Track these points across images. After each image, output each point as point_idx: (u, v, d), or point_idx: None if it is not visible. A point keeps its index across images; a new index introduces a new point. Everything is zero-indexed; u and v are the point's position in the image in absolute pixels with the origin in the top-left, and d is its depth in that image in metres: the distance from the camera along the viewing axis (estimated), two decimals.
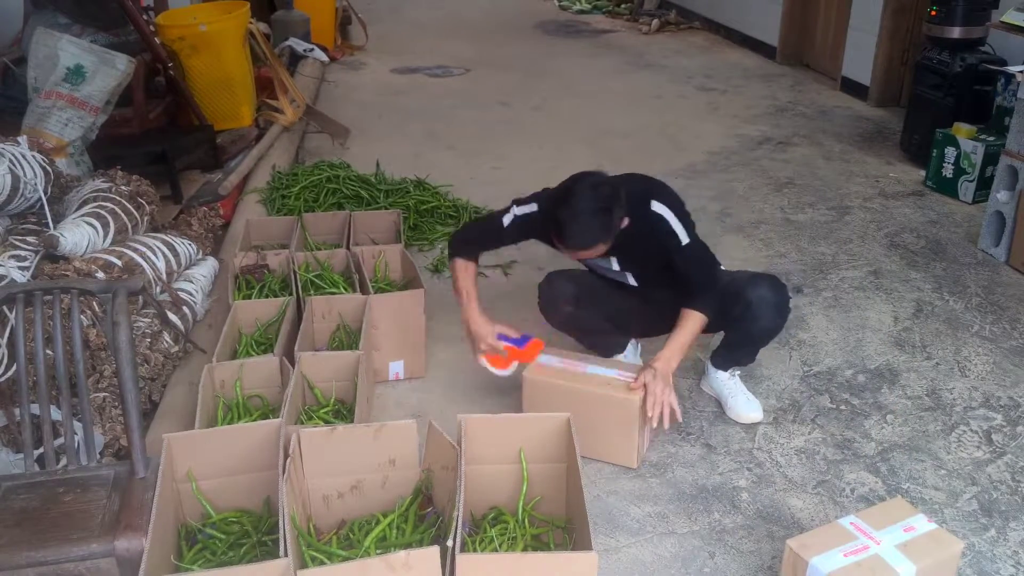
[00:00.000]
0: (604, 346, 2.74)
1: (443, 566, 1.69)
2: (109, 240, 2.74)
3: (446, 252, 2.72)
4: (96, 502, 1.80)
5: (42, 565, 1.67)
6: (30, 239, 2.59)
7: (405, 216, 3.77)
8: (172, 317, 2.72)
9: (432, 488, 2.03)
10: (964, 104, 4.33)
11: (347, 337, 2.75)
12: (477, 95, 6.24)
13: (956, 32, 4.34)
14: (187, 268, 3.04)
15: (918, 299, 3.35)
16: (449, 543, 1.70)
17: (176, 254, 2.93)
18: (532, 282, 2.77)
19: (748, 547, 2.18)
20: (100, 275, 2.54)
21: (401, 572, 1.64)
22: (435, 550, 1.67)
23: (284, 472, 1.83)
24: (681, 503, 2.33)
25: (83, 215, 2.72)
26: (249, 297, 2.89)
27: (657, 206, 2.42)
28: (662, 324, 2.62)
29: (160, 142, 4.00)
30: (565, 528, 2.04)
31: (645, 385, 2.35)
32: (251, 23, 4.93)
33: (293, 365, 2.41)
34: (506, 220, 2.57)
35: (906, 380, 2.86)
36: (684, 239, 2.43)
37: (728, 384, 2.68)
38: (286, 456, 1.89)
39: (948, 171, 4.24)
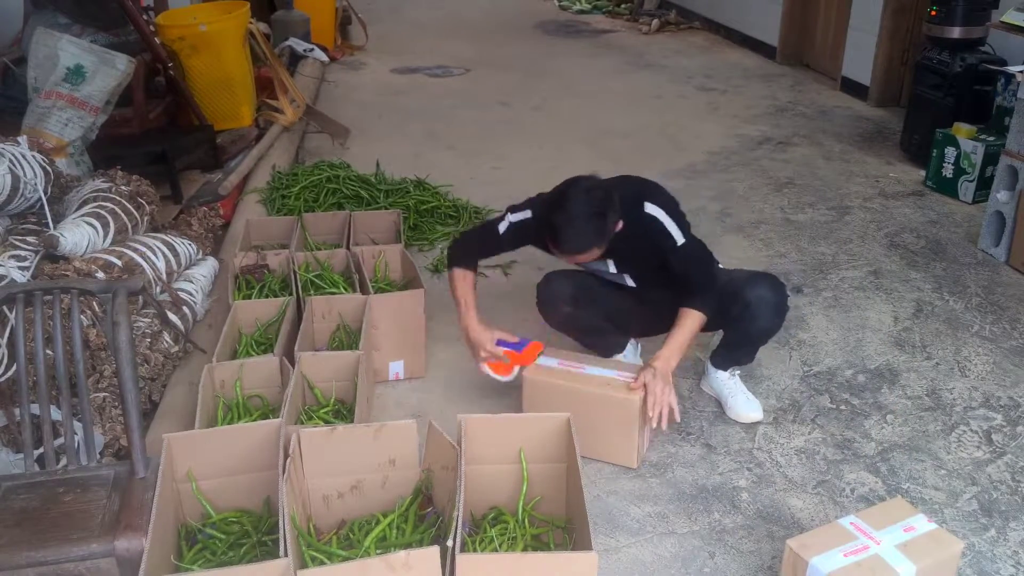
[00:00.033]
0: (603, 346, 2.75)
1: (443, 566, 1.69)
2: (109, 240, 2.74)
3: (446, 252, 2.72)
4: (96, 502, 1.80)
5: (42, 565, 1.67)
6: (30, 239, 2.59)
7: (405, 216, 3.77)
8: (172, 317, 2.72)
9: (432, 488, 2.03)
10: (964, 104, 4.33)
11: (347, 337, 2.75)
12: (477, 95, 6.24)
13: (956, 32, 4.34)
14: (187, 268, 3.04)
15: (918, 299, 3.35)
16: (449, 543, 1.70)
17: (176, 254, 2.93)
18: (532, 282, 2.77)
19: (748, 547, 2.18)
20: (100, 275, 2.54)
21: (401, 572, 1.64)
22: (435, 550, 1.67)
23: (284, 472, 1.83)
24: (681, 503, 2.33)
25: (83, 215, 2.72)
26: (249, 297, 2.89)
27: (650, 207, 2.43)
28: (661, 323, 2.62)
29: (160, 142, 4.00)
30: (565, 528, 2.04)
31: (645, 385, 2.35)
32: (251, 23, 4.93)
33: (293, 365, 2.41)
34: (502, 227, 2.58)
35: (906, 380, 2.86)
36: (679, 239, 2.44)
37: (728, 384, 2.69)
38: (286, 456, 1.89)
39: (948, 171, 4.24)
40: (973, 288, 3.42)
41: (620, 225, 2.36)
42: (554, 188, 2.43)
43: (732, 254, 3.64)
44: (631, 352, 2.82)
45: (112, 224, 2.77)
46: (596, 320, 2.69)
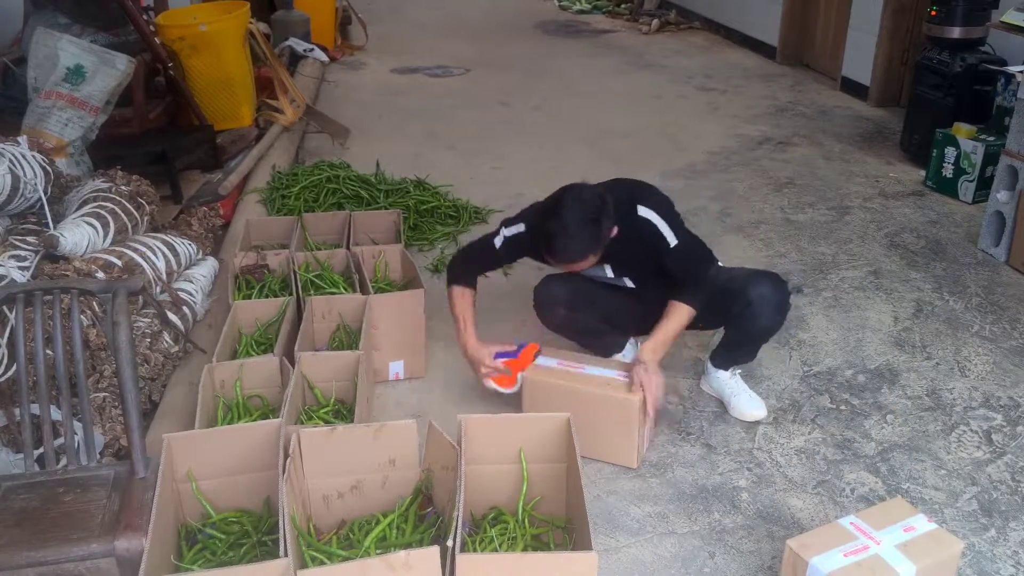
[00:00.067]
0: (601, 346, 2.75)
1: (443, 566, 1.69)
2: (109, 240, 2.74)
3: (446, 270, 2.74)
4: (96, 502, 1.80)
5: (42, 565, 1.67)
6: (30, 239, 2.59)
7: (405, 216, 3.77)
8: (172, 317, 2.71)
9: (432, 488, 2.03)
10: (964, 104, 4.33)
11: (347, 337, 2.75)
12: (477, 95, 6.24)
13: (956, 32, 4.34)
14: (187, 268, 3.04)
15: (918, 299, 3.35)
16: (449, 543, 1.70)
17: (176, 254, 2.93)
18: (531, 283, 2.77)
19: (748, 547, 2.18)
20: (100, 275, 2.54)
21: (401, 572, 1.64)
22: (435, 550, 1.67)
23: (284, 472, 1.83)
24: (681, 503, 2.33)
25: (83, 215, 2.72)
26: (249, 297, 2.89)
27: (644, 211, 2.44)
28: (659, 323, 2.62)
29: (160, 142, 4.00)
30: (565, 528, 2.04)
31: (642, 383, 2.36)
32: (251, 23, 4.93)
33: (293, 365, 2.41)
34: (497, 242, 2.60)
35: (906, 380, 2.86)
36: (672, 241, 2.44)
37: (730, 383, 2.69)
38: (286, 456, 1.89)
39: (948, 171, 4.24)
40: (973, 288, 3.42)
41: (615, 231, 2.37)
42: (547, 197, 2.44)
43: (732, 254, 3.64)
44: (630, 351, 2.82)
45: (112, 224, 2.77)
46: (593, 322, 2.69)
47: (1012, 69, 3.78)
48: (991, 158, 3.93)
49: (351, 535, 1.98)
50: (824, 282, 3.49)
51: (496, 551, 1.90)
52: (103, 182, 3.00)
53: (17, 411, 2.22)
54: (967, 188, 4.16)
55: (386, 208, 3.82)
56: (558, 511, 2.09)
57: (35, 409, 2.00)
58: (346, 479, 2.02)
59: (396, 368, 2.85)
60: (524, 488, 2.04)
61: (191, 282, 2.97)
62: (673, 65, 7.00)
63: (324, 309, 2.75)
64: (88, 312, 2.41)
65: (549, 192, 2.47)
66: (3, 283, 2.33)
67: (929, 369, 2.91)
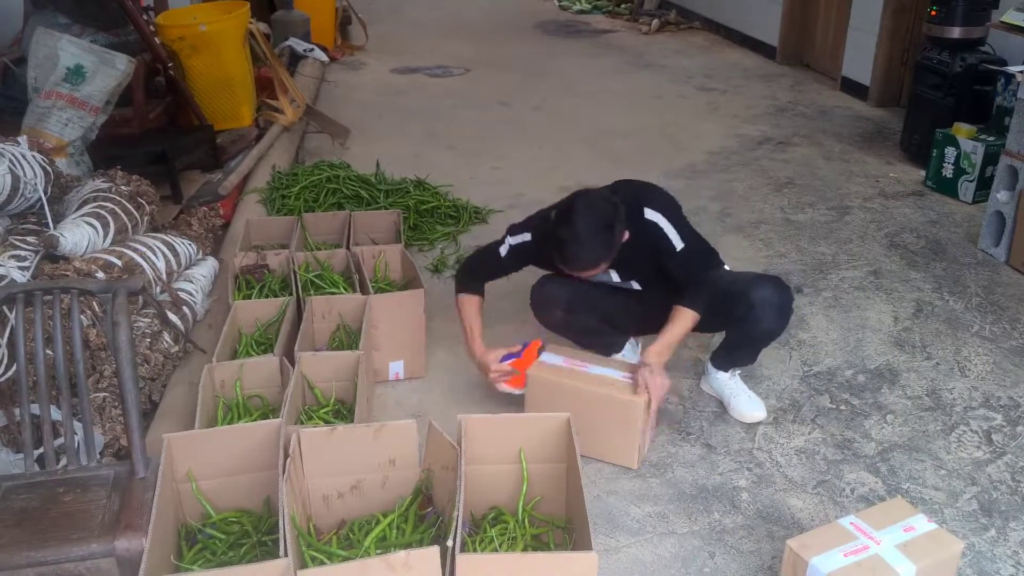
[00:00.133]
0: (600, 346, 2.74)
1: (443, 566, 1.69)
2: (109, 240, 2.74)
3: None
4: (96, 502, 1.80)
5: (42, 565, 1.66)
6: (30, 239, 2.59)
7: (405, 216, 3.77)
8: (172, 317, 2.71)
9: (432, 488, 2.03)
10: (964, 104, 4.33)
11: (347, 337, 2.75)
12: (477, 95, 6.24)
13: (956, 32, 4.34)
14: (187, 268, 3.04)
15: (918, 299, 3.35)
16: (449, 543, 1.70)
17: (176, 254, 2.93)
18: (531, 283, 2.77)
19: (748, 547, 2.18)
20: (100, 275, 2.54)
21: (401, 572, 1.64)
22: (435, 550, 1.67)
23: (284, 472, 1.83)
24: (681, 503, 2.33)
25: (83, 215, 2.72)
26: (249, 297, 2.88)
27: (650, 213, 2.44)
28: (660, 323, 2.62)
29: (160, 142, 4.00)
30: (565, 528, 2.04)
31: (647, 385, 2.36)
32: (251, 23, 4.93)
33: (293, 365, 2.41)
34: (503, 251, 2.61)
35: (906, 380, 2.86)
36: (678, 245, 2.44)
37: (730, 384, 2.68)
38: (286, 456, 1.89)
39: (948, 171, 4.24)
40: (973, 288, 3.42)
41: (626, 236, 2.36)
42: (555, 204, 2.43)
43: (732, 254, 3.64)
44: (629, 351, 2.82)
45: (112, 224, 2.77)
46: (591, 322, 2.69)
47: (1012, 69, 3.78)
48: (991, 158, 3.93)
49: (351, 535, 1.98)
50: (824, 282, 3.49)
51: (496, 551, 1.90)
52: (103, 182, 3.00)
53: (17, 411, 2.22)
54: (967, 188, 4.16)
55: (386, 208, 3.82)
56: (558, 511, 2.09)
57: (35, 409, 2.00)
58: (346, 479, 2.01)
59: (396, 368, 2.85)
60: (524, 488, 2.04)
61: (191, 282, 2.97)
62: (673, 65, 7.01)
63: (324, 309, 2.75)
64: (88, 312, 2.41)
65: (549, 192, 2.47)
66: (3, 283, 2.33)
67: (929, 369, 2.91)
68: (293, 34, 6.54)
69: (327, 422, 2.35)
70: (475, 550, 1.89)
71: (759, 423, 2.64)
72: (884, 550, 1.84)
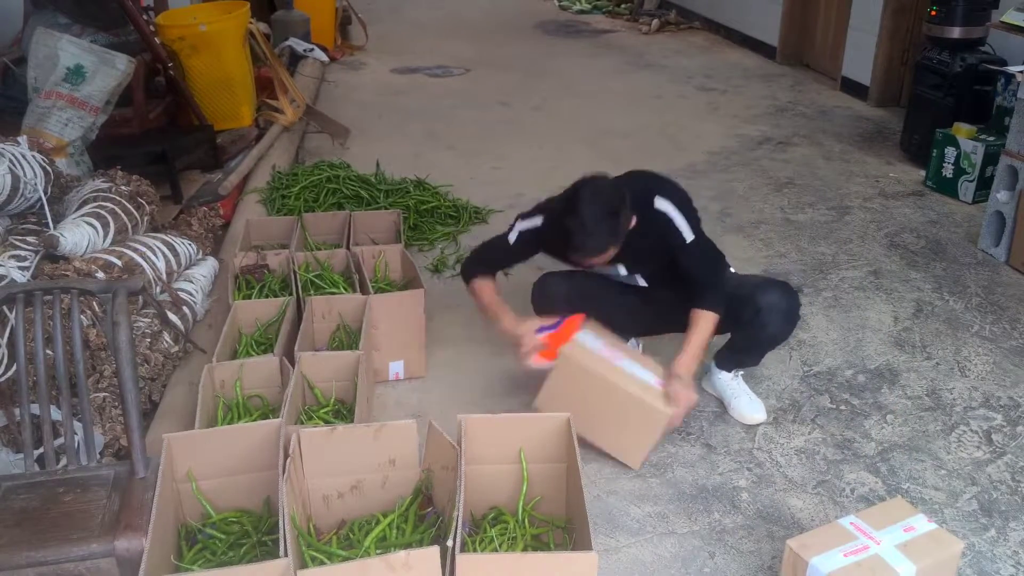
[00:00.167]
0: None
1: (443, 566, 1.69)
2: (109, 240, 2.74)
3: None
4: (96, 502, 1.80)
5: (42, 565, 1.66)
6: (30, 239, 2.59)
7: (405, 216, 3.77)
8: (172, 317, 2.71)
9: (432, 488, 2.03)
10: (964, 104, 4.33)
11: (347, 337, 2.75)
12: (477, 95, 6.24)
13: (956, 32, 4.34)
14: (187, 268, 3.04)
15: (918, 299, 3.35)
16: (449, 543, 1.70)
17: (176, 254, 2.93)
18: (532, 282, 2.77)
19: (748, 547, 2.18)
20: (100, 275, 2.54)
21: (401, 572, 1.64)
22: (435, 550, 1.67)
23: (284, 472, 1.83)
24: (681, 503, 2.33)
25: (83, 215, 2.72)
26: (249, 297, 2.89)
27: (660, 203, 2.41)
28: (665, 323, 2.61)
29: (160, 142, 4.00)
30: (565, 528, 2.04)
31: (678, 395, 2.36)
32: (251, 23, 4.93)
33: (293, 365, 2.41)
34: (511, 237, 2.56)
35: (906, 380, 2.86)
36: (688, 236, 2.42)
37: (731, 384, 2.68)
38: (286, 456, 1.89)
39: (948, 171, 4.24)
40: (973, 288, 3.42)
41: (634, 222, 2.34)
42: (564, 192, 2.41)
43: (732, 254, 3.62)
44: None
45: (112, 224, 2.77)
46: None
47: (1012, 69, 3.78)
48: (991, 158, 3.93)
49: (351, 535, 1.98)
50: (824, 282, 3.49)
51: (496, 551, 1.90)
52: (103, 182, 3.00)
53: (17, 411, 2.22)
54: (967, 188, 4.16)
55: (386, 208, 3.82)
56: (558, 511, 2.09)
57: (35, 409, 2.00)
58: (346, 479, 2.01)
59: (396, 368, 2.85)
60: (524, 488, 2.04)
61: (191, 282, 2.97)
62: (673, 65, 7.01)
63: (324, 309, 2.75)
64: (88, 312, 2.41)
65: (549, 192, 2.46)
66: (3, 283, 2.33)
67: (929, 369, 2.91)
68: (293, 34, 6.54)
69: (327, 422, 2.35)
70: (475, 550, 1.89)
71: (759, 424, 2.63)
72: (884, 550, 1.84)
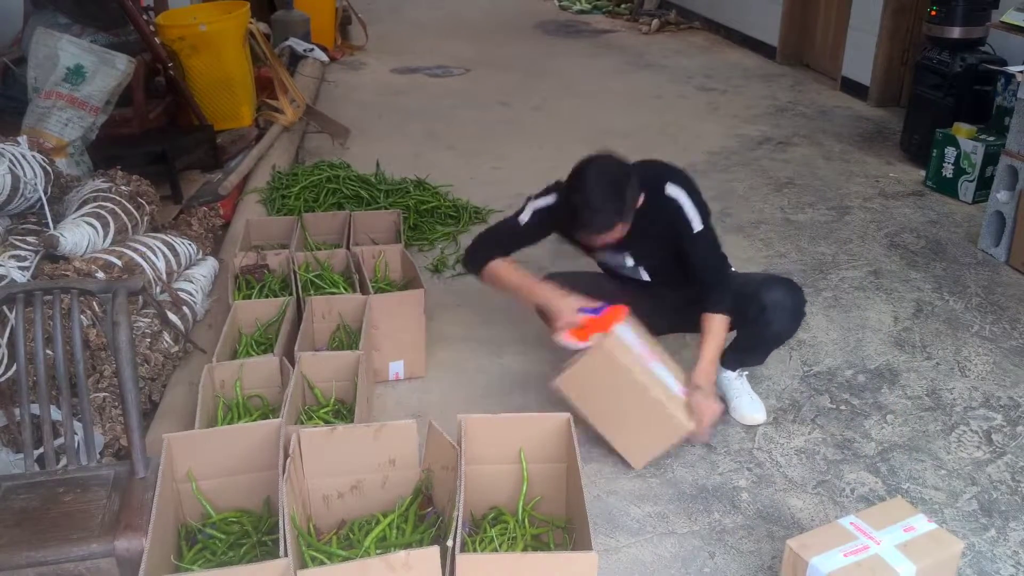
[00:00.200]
0: None
1: (443, 566, 1.69)
2: (109, 240, 2.74)
3: (463, 260, 2.65)
4: (96, 502, 1.80)
5: (42, 565, 1.66)
6: (30, 239, 2.59)
7: (405, 216, 3.77)
8: (172, 317, 2.72)
9: (432, 488, 2.03)
10: (964, 104, 4.33)
11: (347, 337, 2.75)
12: (477, 95, 6.24)
13: (956, 32, 4.34)
14: (187, 268, 3.04)
15: (918, 299, 3.35)
16: (449, 543, 1.70)
17: (176, 254, 2.93)
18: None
19: (748, 547, 2.18)
20: (100, 275, 2.54)
21: (401, 572, 1.64)
22: (435, 550, 1.67)
23: (284, 472, 1.83)
24: (681, 503, 2.33)
25: (83, 215, 2.72)
26: (249, 297, 2.89)
27: (672, 189, 2.41)
28: (664, 322, 2.61)
29: (160, 142, 4.00)
30: (565, 528, 2.04)
31: (699, 405, 2.36)
32: (251, 23, 4.93)
33: (293, 365, 2.41)
34: (524, 218, 2.52)
35: (906, 380, 2.86)
36: (697, 225, 2.41)
37: (734, 384, 2.68)
38: (286, 456, 1.89)
39: (948, 171, 4.24)
40: (973, 288, 3.42)
41: (641, 200, 2.33)
42: (571, 170, 2.39)
43: (732, 254, 3.60)
44: None
45: (112, 224, 2.77)
46: None
47: (1012, 69, 3.78)
48: (991, 158, 3.93)
49: (351, 535, 1.98)
50: (824, 282, 3.49)
51: (496, 551, 1.90)
52: (103, 182, 3.00)
53: (17, 411, 2.22)
54: (967, 188, 4.16)
55: (386, 208, 3.82)
56: (558, 511, 2.09)
57: (35, 409, 2.00)
58: (346, 479, 2.01)
59: (396, 368, 2.85)
60: (524, 488, 2.04)
61: (191, 282, 2.97)
62: (673, 65, 7.01)
63: (324, 309, 2.75)
64: (88, 312, 2.41)
65: None
66: (3, 283, 2.33)
67: (929, 369, 2.91)
68: (293, 34, 6.54)
69: (327, 422, 2.35)
70: (475, 550, 1.89)
71: (759, 425, 2.63)
72: (884, 550, 1.84)
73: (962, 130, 4.13)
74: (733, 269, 2.68)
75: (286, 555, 1.61)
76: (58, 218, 2.81)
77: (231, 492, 2.02)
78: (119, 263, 2.63)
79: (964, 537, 2.17)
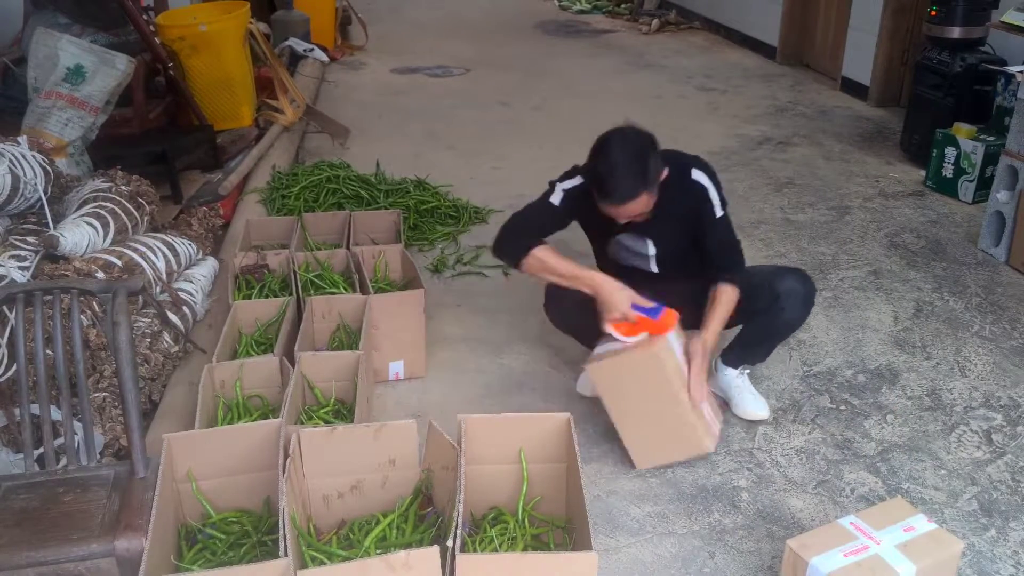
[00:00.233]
0: None
1: (443, 566, 1.69)
2: (109, 240, 2.74)
3: (494, 250, 2.60)
4: (96, 502, 1.80)
5: (42, 565, 1.67)
6: (30, 239, 2.59)
7: (405, 216, 3.77)
8: (172, 317, 2.72)
9: (432, 488, 2.03)
10: (964, 104, 4.33)
11: (347, 337, 2.75)
12: (477, 95, 6.24)
13: (956, 32, 4.34)
14: (187, 268, 3.04)
15: (918, 299, 3.35)
16: (449, 543, 1.70)
17: (176, 254, 2.93)
18: (532, 283, 2.76)
19: (748, 547, 2.18)
20: (100, 275, 2.54)
21: (401, 572, 1.64)
22: (435, 550, 1.67)
23: (284, 472, 1.83)
24: (681, 503, 2.33)
25: (83, 215, 2.72)
26: (249, 297, 2.89)
27: (697, 174, 2.44)
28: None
29: (160, 142, 4.00)
30: (565, 528, 2.04)
31: (693, 354, 2.37)
32: (251, 23, 4.93)
33: (293, 365, 2.41)
34: (555, 198, 2.50)
35: (906, 380, 2.86)
36: (718, 211, 2.44)
37: (736, 382, 2.68)
38: (286, 456, 1.89)
39: (948, 171, 4.24)
40: (973, 288, 3.42)
41: (666, 177, 2.34)
42: (593, 145, 2.39)
43: None
44: None
45: (112, 224, 2.77)
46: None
47: (1012, 69, 3.78)
48: (991, 158, 3.93)
49: (351, 535, 1.98)
50: (824, 282, 3.49)
51: (496, 551, 1.90)
52: (103, 182, 3.00)
53: (17, 411, 2.22)
54: (967, 188, 4.16)
55: (386, 208, 3.82)
56: (558, 511, 2.09)
57: (35, 409, 2.00)
58: (346, 479, 2.01)
59: (396, 368, 2.85)
60: (524, 488, 2.04)
61: (191, 282, 2.97)
62: (673, 65, 7.00)
63: (324, 309, 2.75)
64: (88, 312, 2.41)
65: None
66: (3, 283, 2.33)
67: (929, 369, 2.91)
68: (293, 34, 6.54)
69: (327, 422, 2.35)
70: (475, 550, 1.89)
71: (760, 422, 2.63)
72: (884, 550, 1.84)
73: (962, 130, 4.13)
74: None
75: (286, 555, 1.61)
76: (58, 218, 2.81)
77: (231, 492, 2.02)
78: (119, 263, 2.63)
79: (964, 537, 2.17)
